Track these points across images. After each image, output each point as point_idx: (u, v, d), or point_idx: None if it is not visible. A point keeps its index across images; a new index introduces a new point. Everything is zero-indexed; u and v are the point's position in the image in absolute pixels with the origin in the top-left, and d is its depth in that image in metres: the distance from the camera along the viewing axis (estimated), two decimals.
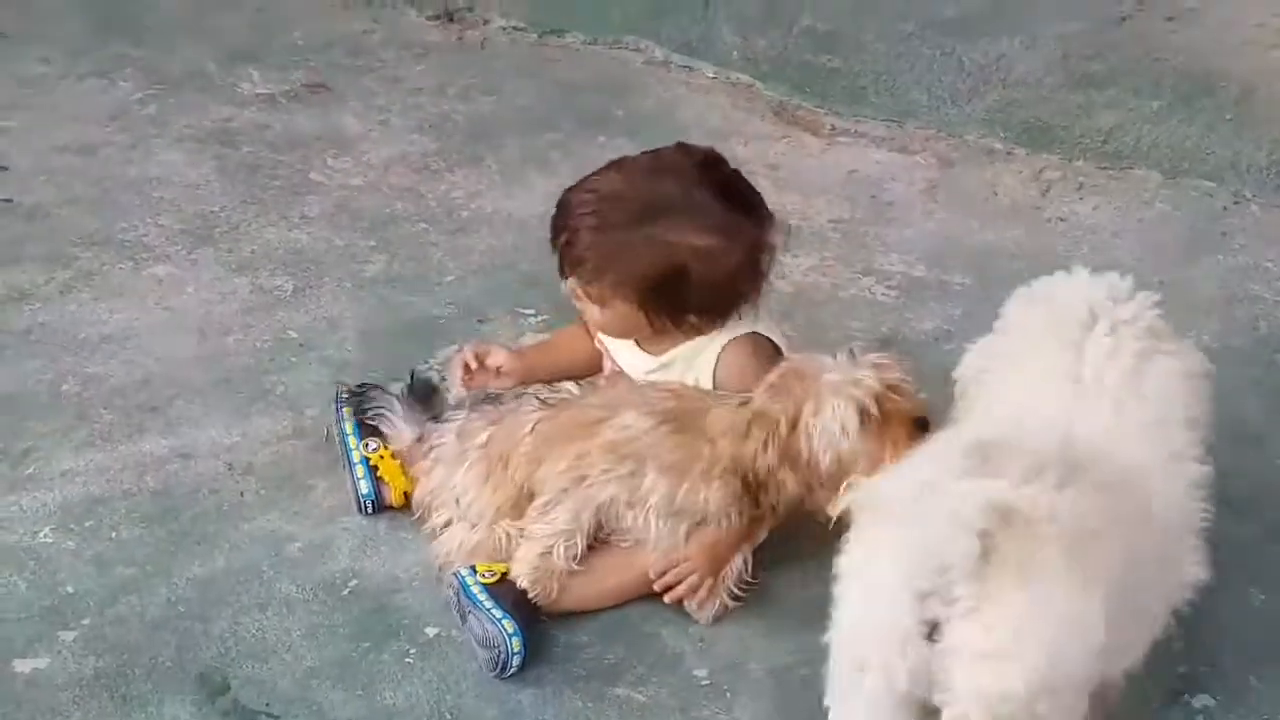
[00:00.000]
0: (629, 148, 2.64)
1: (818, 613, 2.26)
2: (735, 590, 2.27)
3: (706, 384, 2.29)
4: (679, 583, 2.23)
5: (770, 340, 2.33)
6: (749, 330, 2.30)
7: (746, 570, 2.28)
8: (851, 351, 2.17)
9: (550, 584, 2.22)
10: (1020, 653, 1.59)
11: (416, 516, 2.40)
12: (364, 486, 2.45)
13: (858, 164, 3.76)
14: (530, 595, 2.20)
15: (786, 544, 2.40)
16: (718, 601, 2.27)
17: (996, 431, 1.79)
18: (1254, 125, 3.64)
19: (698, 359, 2.30)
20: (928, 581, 1.59)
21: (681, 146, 2.32)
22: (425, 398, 2.56)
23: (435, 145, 3.80)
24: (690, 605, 2.27)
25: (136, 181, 3.55)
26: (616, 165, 2.29)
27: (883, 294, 3.18)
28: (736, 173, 2.34)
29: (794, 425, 2.12)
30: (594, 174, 2.29)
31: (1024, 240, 3.41)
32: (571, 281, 2.29)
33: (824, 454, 2.09)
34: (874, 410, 2.09)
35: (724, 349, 2.28)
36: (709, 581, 2.23)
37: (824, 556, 2.37)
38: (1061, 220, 3.51)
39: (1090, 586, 1.61)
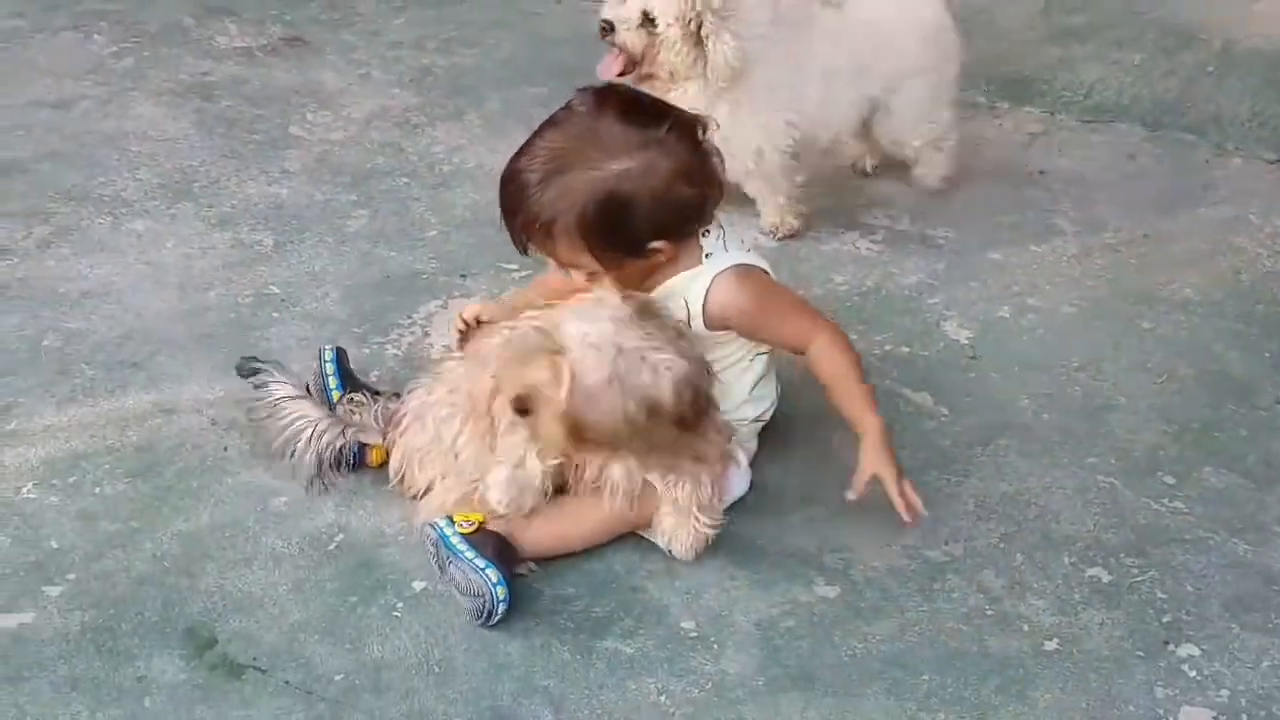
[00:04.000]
0: None
1: (802, 565, 2.30)
2: (702, 518, 2.26)
3: (697, 320, 2.26)
4: None
5: (760, 269, 2.31)
6: (738, 262, 2.28)
7: (717, 498, 2.27)
8: None
9: (524, 500, 2.22)
10: None
11: (396, 480, 2.38)
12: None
13: None
14: (505, 513, 2.21)
15: (771, 497, 2.41)
16: (692, 533, 2.26)
17: None
18: (1235, 78, 3.65)
19: (684, 296, 2.26)
20: None
21: (580, 91, 2.29)
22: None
23: (416, 99, 3.77)
24: (663, 540, 2.28)
25: (114, 136, 3.51)
26: (537, 131, 2.25)
27: (867, 248, 3.18)
28: (635, 94, 2.31)
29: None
30: (523, 146, 2.25)
31: (1007, 194, 3.41)
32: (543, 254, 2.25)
33: None
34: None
35: (712, 283, 2.26)
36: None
37: (807, 509, 2.41)
38: (1043, 174, 3.51)
39: None
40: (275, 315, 2.86)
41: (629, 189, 2.14)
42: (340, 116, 3.67)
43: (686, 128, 2.20)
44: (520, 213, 2.19)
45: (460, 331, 2.43)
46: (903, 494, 2.23)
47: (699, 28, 2.80)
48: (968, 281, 3.06)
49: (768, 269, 2.34)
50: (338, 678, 2.08)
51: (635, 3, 2.83)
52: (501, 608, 2.14)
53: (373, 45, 4.05)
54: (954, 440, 2.59)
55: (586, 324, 2.05)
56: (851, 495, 2.25)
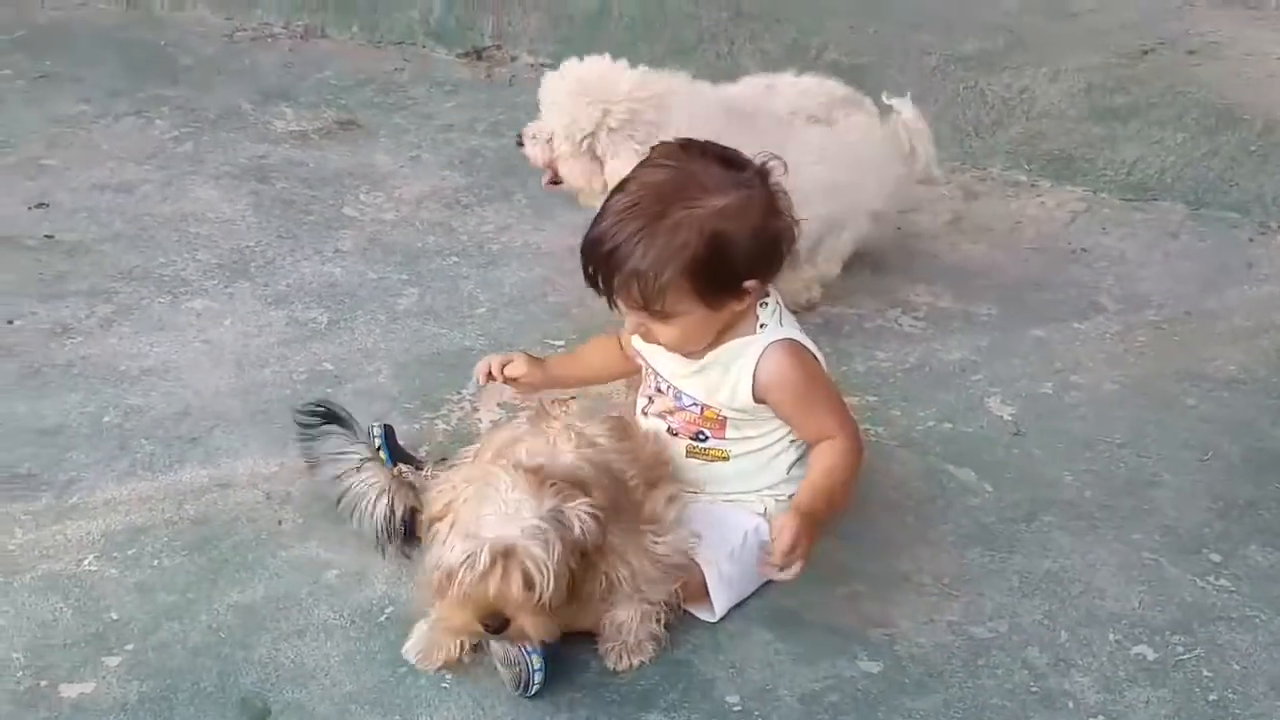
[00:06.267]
0: None
1: (846, 640, 2.31)
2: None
3: (745, 386, 2.29)
4: None
5: (811, 352, 2.34)
6: (787, 336, 2.32)
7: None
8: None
9: (433, 659, 2.27)
10: None
11: (427, 531, 2.41)
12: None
13: None
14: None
15: (813, 571, 2.42)
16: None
17: None
18: (1278, 157, 3.67)
19: (736, 362, 2.29)
20: None
21: (660, 144, 2.35)
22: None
23: (465, 180, 3.86)
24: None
25: (174, 218, 3.61)
26: (616, 189, 2.30)
27: (910, 325, 3.21)
28: (713, 144, 2.34)
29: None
30: (600, 210, 2.30)
31: (1049, 272, 3.45)
32: (633, 316, 2.27)
33: None
34: None
35: (765, 351, 2.29)
36: None
37: (851, 584, 2.42)
38: (1085, 251, 3.54)
39: None
40: (329, 391, 2.92)
41: (730, 226, 2.18)
42: (392, 197, 3.75)
43: (764, 170, 2.26)
44: (622, 266, 2.19)
45: (488, 376, 2.55)
46: (778, 541, 2.16)
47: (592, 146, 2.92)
48: (1010, 358, 3.09)
49: (819, 355, 2.36)
50: None
51: (548, 119, 3.00)
52: (538, 677, 2.15)
53: (424, 128, 4.15)
54: (998, 516, 2.60)
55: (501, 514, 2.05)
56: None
